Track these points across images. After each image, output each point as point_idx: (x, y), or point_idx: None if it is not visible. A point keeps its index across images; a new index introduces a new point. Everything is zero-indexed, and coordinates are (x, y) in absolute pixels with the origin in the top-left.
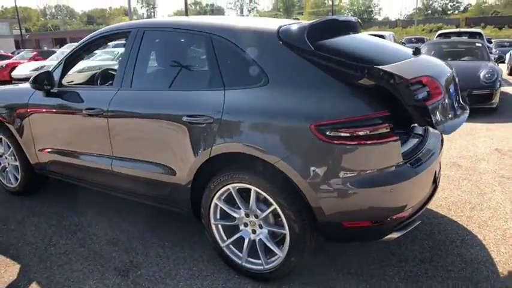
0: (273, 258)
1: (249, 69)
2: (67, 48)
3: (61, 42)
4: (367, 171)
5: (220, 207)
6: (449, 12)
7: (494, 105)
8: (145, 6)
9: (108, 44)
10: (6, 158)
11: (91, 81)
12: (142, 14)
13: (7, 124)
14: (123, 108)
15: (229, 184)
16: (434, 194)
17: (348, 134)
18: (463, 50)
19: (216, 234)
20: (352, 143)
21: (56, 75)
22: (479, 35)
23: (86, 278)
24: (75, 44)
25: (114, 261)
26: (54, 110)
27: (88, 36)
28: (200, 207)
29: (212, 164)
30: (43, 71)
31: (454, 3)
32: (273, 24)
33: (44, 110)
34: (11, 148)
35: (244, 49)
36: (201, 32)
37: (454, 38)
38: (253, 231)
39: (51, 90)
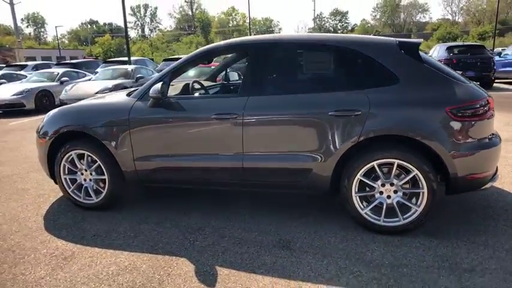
0: (408, 214)
1: (382, 72)
2: None
3: None
4: (481, 138)
5: (360, 181)
6: (339, 32)
7: None
8: (32, 25)
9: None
10: (83, 174)
11: (185, 91)
12: (30, 33)
13: (99, 138)
14: (261, 111)
15: (374, 161)
16: None
17: (469, 113)
18: None
19: (357, 204)
20: (473, 118)
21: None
22: None
23: (258, 255)
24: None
25: (266, 241)
26: (166, 119)
27: (201, 50)
28: (339, 185)
29: (358, 147)
30: (159, 83)
31: (343, 23)
32: (388, 39)
33: (151, 120)
34: (97, 162)
35: (376, 58)
36: (340, 46)
37: None
38: (388, 197)
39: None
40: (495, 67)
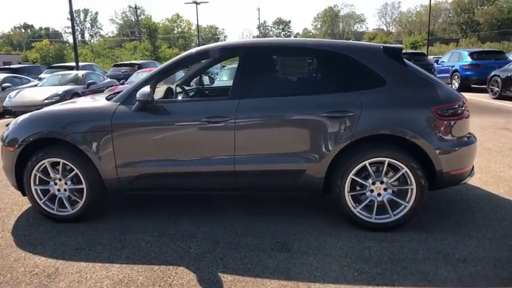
0: (398, 210)
1: (370, 75)
2: None
3: None
4: (461, 136)
5: (353, 180)
6: None
7: None
8: None
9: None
10: (56, 183)
11: (169, 95)
12: None
13: (77, 145)
14: (254, 113)
15: (366, 160)
16: None
17: (451, 113)
18: None
19: (349, 203)
20: (454, 118)
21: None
22: None
23: (258, 259)
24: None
25: (263, 245)
26: (154, 123)
27: (189, 53)
28: (331, 185)
29: (351, 147)
30: (144, 86)
31: (286, 32)
32: (374, 45)
33: (137, 125)
34: (74, 171)
35: (364, 62)
36: (331, 51)
37: None
38: (379, 195)
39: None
40: (435, 73)
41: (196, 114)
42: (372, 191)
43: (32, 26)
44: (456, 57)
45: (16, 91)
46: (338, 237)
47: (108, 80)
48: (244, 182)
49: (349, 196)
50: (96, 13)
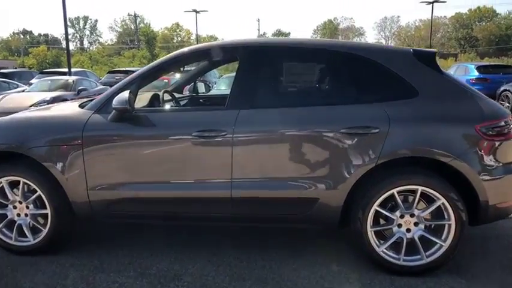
0: (432, 250)
1: (398, 84)
2: None
3: None
4: (509, 162)
5: (376, 212)
6: None
7: None
8: None
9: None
10: (15, 207)
11: (155, 103)
12: None
13: (41, 161)
14: (256, 127)
15: (394, 188)
16: None
17: (497, 132)
18: None
19: (372, 240)
20: (501, 138)
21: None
22: None
23: None
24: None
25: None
26: (133, 137)
27: (178, 53)
28: (350, 218)
29: (376, 171)
30: (125, 91)
31: None
32: (403, 48)
33: (113, 138)
34: (37, 192)
35: (391, 68)
36: (352, 54)
37: None
38: (408, 230)
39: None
40: None
41: (185, 126)
42: (399, 225)
43: (31, 32)
44: (462, 71)
45: (2, 96)
46: (358, 284)
47: (101, 87)
48: (243, 211)
49: (372, 232)
50: (96, 20)
